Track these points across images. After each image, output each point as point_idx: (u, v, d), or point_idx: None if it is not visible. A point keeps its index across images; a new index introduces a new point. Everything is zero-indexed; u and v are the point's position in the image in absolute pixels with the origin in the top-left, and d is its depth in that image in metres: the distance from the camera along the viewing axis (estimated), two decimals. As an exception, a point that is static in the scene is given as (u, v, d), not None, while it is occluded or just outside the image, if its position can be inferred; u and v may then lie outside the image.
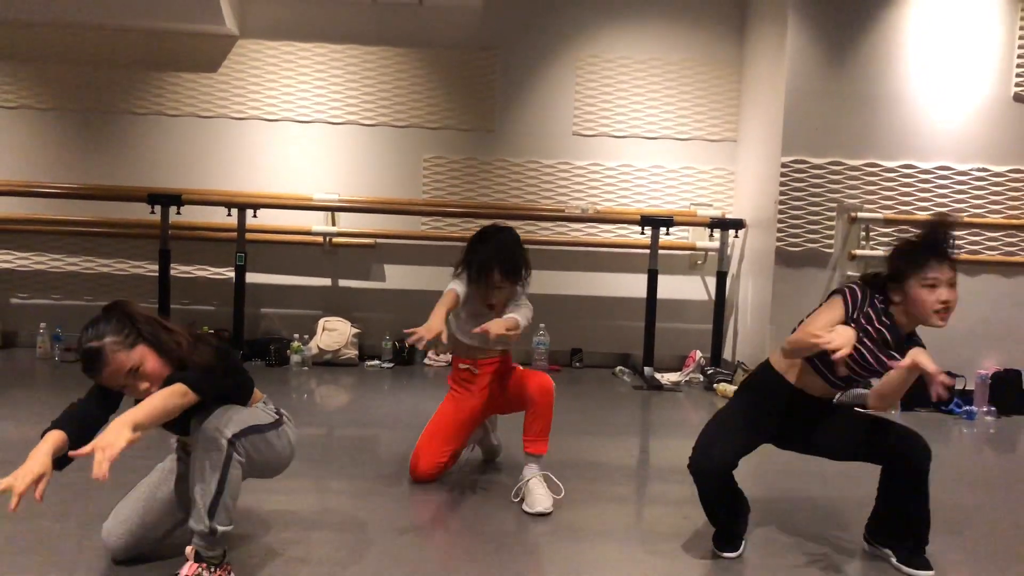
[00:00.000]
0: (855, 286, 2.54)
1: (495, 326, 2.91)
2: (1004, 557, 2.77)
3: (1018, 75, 5.35)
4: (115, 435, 1.90)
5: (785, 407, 2.66)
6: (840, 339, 2.28)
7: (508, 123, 6.34)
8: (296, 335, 5.97)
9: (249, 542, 2.65)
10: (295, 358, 5.80)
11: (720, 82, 6.33)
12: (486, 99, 6.31)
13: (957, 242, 2.60)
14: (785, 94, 5.34)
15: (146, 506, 2.44)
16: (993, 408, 5.16)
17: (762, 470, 3.58)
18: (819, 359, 2.54)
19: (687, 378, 5.81)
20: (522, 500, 3.07)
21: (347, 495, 3.21)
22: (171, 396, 2.10)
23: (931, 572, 2.54)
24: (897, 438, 2.55)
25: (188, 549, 2.21)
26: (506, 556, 2.62)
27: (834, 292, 2.56)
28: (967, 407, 5.07)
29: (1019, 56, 5.34)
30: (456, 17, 6.21)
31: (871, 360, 2.49)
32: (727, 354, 6.16)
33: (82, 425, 2.19)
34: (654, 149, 6.36)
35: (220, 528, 2.16)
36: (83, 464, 2.00)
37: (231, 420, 2.24)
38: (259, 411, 2.40)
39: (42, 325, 5.85)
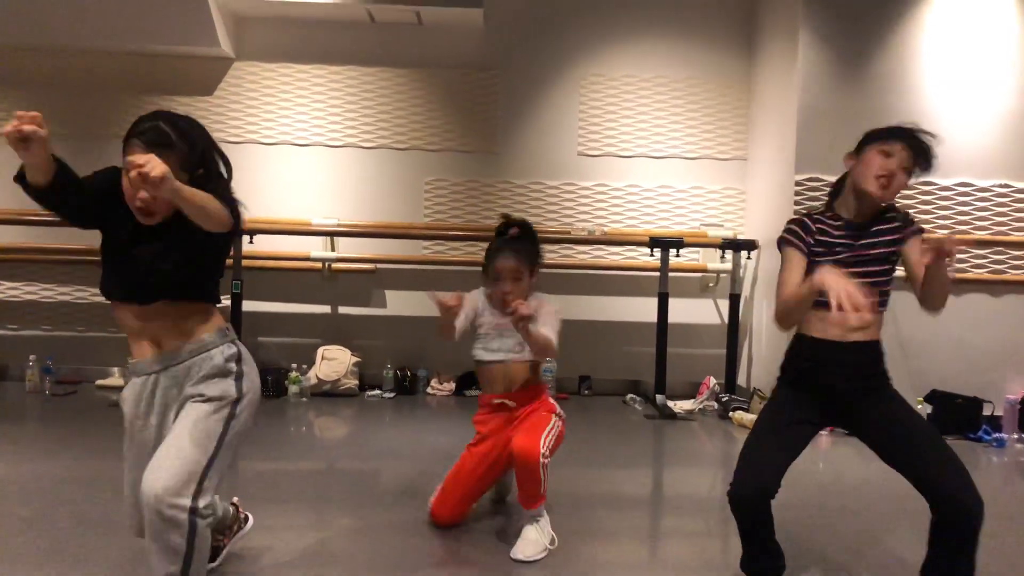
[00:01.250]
0: (789, 225, 2.53)
1: (524, 307, 2.78)
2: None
3: (1037, 88, 5.33)
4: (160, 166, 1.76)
5: (819, 368, 2.48)
6: (840, 291, 2.14)
7: (511, 144, 6.33)
8: (294, 365, 5.92)
9: (243, 584, 2.59)
10: (293, 389, 5.75)
11: (729, 100, 6.32)
12: (488, 120, 6.31)
13: (934, 155, 2.46)
14: (798, 111, 5.32)
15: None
16: (1022, 434, 5.07)
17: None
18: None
19: (701, 406, 5.74)
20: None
21: (348, 532, 3.15)
22: (215, 201, 1.96)
23: None
24: (953, 477, 2.37)
25: None
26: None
27: (779, 246, 2.53)
28: (996, 434, 4.99)
29: (1038, 69, 5.32)
30: (457, 37, 6.22)
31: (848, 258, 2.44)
32: (742, 380, 6.09)
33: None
34: (662, 169, 6.34)
35: None
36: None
37: (185, 469, 1.95)
38: (218, 391, 2.09)
39: (31, 357, 5.81)
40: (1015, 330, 5.32)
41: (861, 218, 2.48)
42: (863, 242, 2.47)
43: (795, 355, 2.57)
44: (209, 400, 2.07)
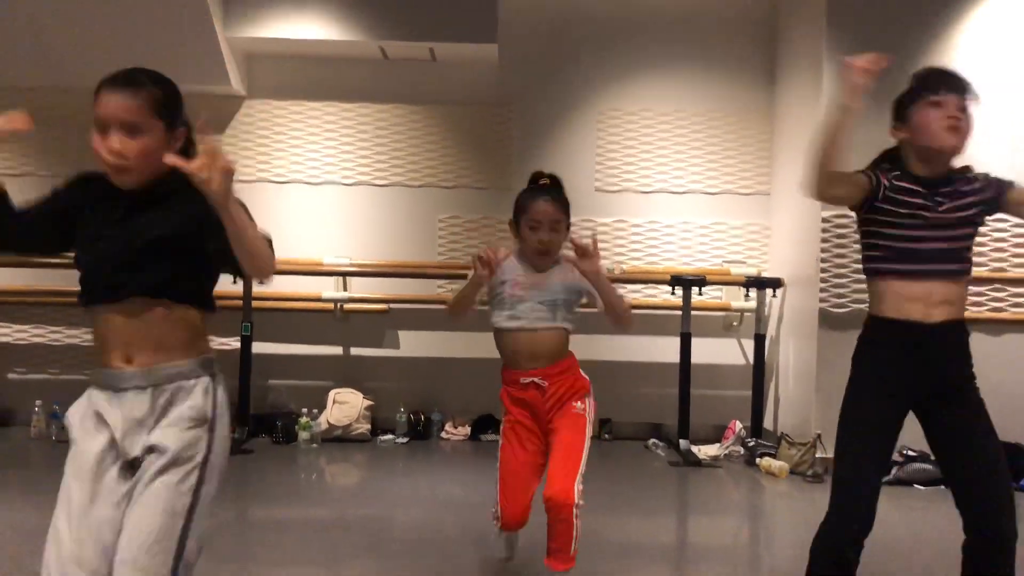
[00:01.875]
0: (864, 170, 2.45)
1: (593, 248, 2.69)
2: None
3: (1072, 119, 5.23)
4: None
5: (906, 361, 2.31)
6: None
7: (526, 180, 6.27)
8: (305, 409, 5.85)
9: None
10: (304, 435, 5.65)
11: (750, 133, 6.26)
12: (503, 156, 6.28)
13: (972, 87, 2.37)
14: (822, 145, 5.24)
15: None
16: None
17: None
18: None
19: (727, 451, 5.60)
20: None
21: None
22: (261, 235, 1.79)
23: None
24: (996, 503, 2.28)
25: None
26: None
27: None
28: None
29: (1073, 99, 5.23)
30: (471, 72, 6.21)
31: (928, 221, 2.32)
32: (768, 423, 5.95)
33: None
34: (682, 204, 6.27)
35: None
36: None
37: (155, 556, 1.75)
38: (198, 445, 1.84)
39: (37, 403, 5.76)
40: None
41: (932, 173, 2.37)
42: (949, 203, 2.34)
43: (873, 343, 2.37)
44: (176, 463, 1.80)
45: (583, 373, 2.95)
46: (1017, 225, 5.20)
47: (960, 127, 2.31)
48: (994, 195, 2.39)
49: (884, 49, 5.38)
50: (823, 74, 5.25)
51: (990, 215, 2.44)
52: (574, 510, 2.69)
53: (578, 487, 2.71)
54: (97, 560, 1.75)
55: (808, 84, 5.53)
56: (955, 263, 2.34)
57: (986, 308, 5.23)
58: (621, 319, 2.89)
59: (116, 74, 1.88)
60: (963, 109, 2.33)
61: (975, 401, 2.35)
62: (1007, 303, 5.24)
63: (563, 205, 2.90)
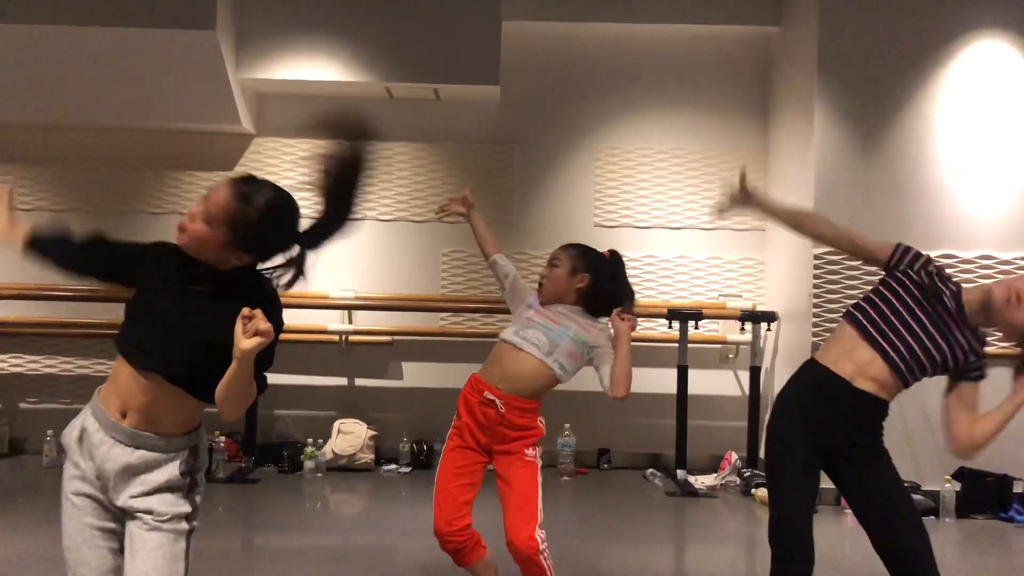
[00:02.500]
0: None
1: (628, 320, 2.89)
2: None
3: (1056, 160, 5.33)
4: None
5: (823, 402, 2.45)
6: None
7: (528, 216, 6.37)
8: (310, 439, 5.89)
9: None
10: (309, 464, 5.70)
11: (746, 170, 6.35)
12: (505, 192, 6.37)
13: None
14: (815, 184, 5.33)
15: None
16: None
17: None
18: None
19: (723, 481, 5.64)
20: None
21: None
22: (253, 392, 1.89)
23: None
24: (915, 556, 2.39)
25: None
26: None
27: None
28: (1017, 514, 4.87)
29: (1055, 141, 5.33)
30: (474, 112, 6.32)
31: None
32: (763, 454, 5.99)
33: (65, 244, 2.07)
34: (679, 240, 6.35)
35: None
36: None
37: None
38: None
39: (49, 432, 5.81)
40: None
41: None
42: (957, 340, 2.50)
43: (802, 382, 2.54)
44: (165, 521, 1.91)
45: (541, 423, 2.99)
46: (1004, 263, 5.29)
47: None
48: (961, 367, 2.51)
49: (869, 94, 5.54)
50: (814, 116, 5.36)
51: (946, 372, 2.55)
52: (540, 555, 2.74)
53: (539, 533, 2.76)
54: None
55: (800, 127, 5.63)
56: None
57: (1012, 344, 5.27)
58: (620, 386, 2.91)
59: (234, 179, 1.93)
60: None
61: (884, 460, 2.47)
62: (993, 338, 5.30)
63: (578, 257, 3.03)
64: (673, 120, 6.38)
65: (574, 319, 2.95)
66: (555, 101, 6.38)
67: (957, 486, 4.87)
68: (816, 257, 5.31)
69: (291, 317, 6.29)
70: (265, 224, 1.89)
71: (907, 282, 2.48)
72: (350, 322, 6.22)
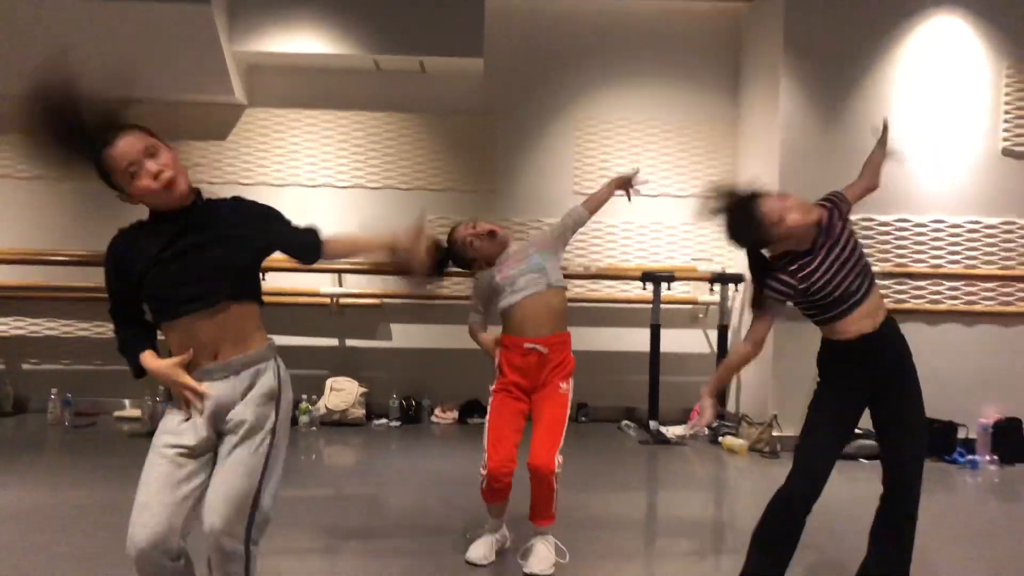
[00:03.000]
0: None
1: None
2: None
3: (1005, 130, 5.50)
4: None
5: (862, 361, 2.66)
6: None
7: (510, 183, 6.48)
8: (304, 396, 6.02)
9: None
10: (303, 419, 5.84)
11: (717, 140, 6.48)
12: (488, 161, 6.47)
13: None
14: (780, 153, 5.49)
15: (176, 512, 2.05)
16: (996, 457, 5.19)
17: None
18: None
19: (692, 431, 5.84)
20: (525, 560, 3.09)
21: (356, 555, 3.23)
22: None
23: None
24: (905, 452, 2.65)
25: None
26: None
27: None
28: (970, 456, 5.10)
29: (1005, 112, 5.50)
30: (458, 83, 6.40)
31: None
32: (731, 406, 6.19)
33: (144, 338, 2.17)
34: (654, 206, 6.47)
35: None
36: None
37: (236, 505, 2.02)
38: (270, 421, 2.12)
39: (53, 391, 5.91)
40: (987, 358, 5.45)
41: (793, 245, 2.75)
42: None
43: (841, 360, 2.71)
44: (251, 434, 2.07)
45: (572, 357, 3.23)
46: (988, 227, 5.50)
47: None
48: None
49: (831, 67, 5.68)
50: (780, 88, 5.50)
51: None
52: (554, 476, 2.98)
53: (558, 458, 3.00)
54: (164, 512, 2.00)
55: (766, 99, 5.77)
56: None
57: (960, 302, 5.49)
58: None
59: (112, 118, 2.15)
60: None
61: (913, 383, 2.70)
62: (979, 297, 5.53)
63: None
64: (649, 92, 6.48)
65: (532, 245, 3.31)
66: (536, 73, 6.46)
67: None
68: (781, 222, 5.47)
69: (284, 280, 6.43)
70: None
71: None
72: (340, 285, 6.33)
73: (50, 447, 5.24)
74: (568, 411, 3.15)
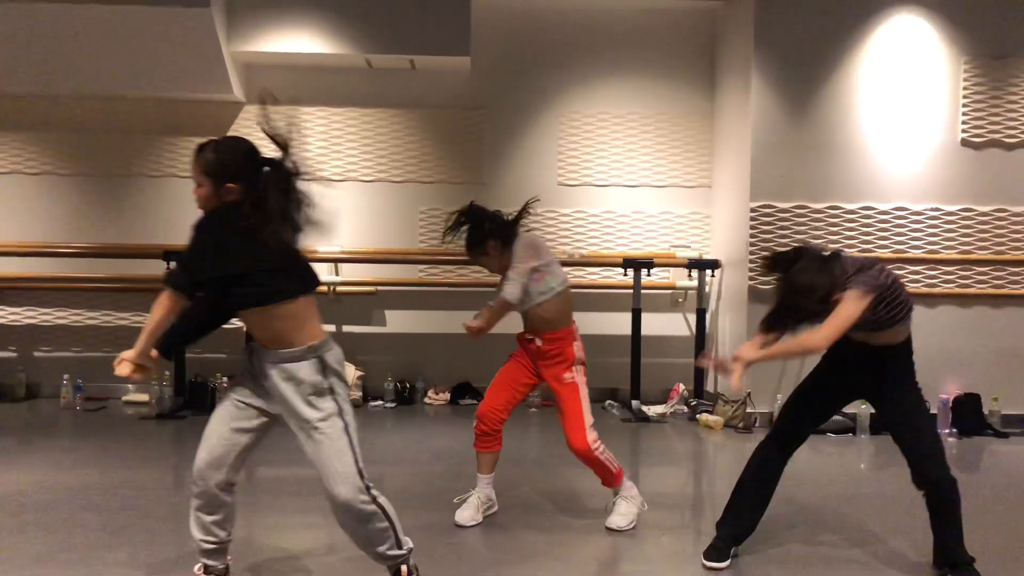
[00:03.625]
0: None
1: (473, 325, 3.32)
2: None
3: (964, 122, 5.60)
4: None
5: (850, 368, 2.86)
6: None
7: (497, 176, 6.54)
8: (304, 379, 6.08)
9: None
10: (303, 401, 5.90)
11: (694, 133, 6.55)
12: (476, 154, 6.53)
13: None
14: (751, 145, 5.57)
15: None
16: (955, 430, 5.32)
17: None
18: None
19: (672, 410, 5.95)
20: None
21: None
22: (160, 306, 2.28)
23: None
24: (924, 469, 2.80)
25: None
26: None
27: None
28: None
29: (963, 105, 5.59)
30: (446, 80, 6.44)
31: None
32: (709, 386, 6.30)
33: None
34: (634, 196, 6.56)
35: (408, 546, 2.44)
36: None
37: (350, 475, 2.30)
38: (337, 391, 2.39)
39: (65, 376, 5.97)
40: (947, 337, 5.57)
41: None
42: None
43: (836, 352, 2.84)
44: (322, 422, 2.33)
45: (575, 347, 3.39)
46: (948, 214, 5.63)
47: None
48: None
49: (799, 64, 5.76)
50: (751, 86, 5.57)
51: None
52: (594, 451, 3.24)
53: (590, 435, 3.24)
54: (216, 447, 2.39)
55: (739, 94, 5.85)
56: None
57: (921, 285, 5.62)
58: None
59: (200, 144, 2.42)
60: None
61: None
62: (939, 280, 5.64)
63: (474, 248, 3.48)
64: (629, 87, 6.55)
65: (512, 269, 3.37)
66: (521, 70, 6.52)
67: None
68: (752, 210, 5.57)
69: (284, 270, 6.35)
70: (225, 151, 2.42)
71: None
72: (337, 274, 6.39)
73: (62, 431, 5.29)
74: (582, 392, 3.35)
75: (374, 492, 2.33)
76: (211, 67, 5.84)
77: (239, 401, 2.42)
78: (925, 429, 2.83)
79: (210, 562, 2.46)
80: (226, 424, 2.41)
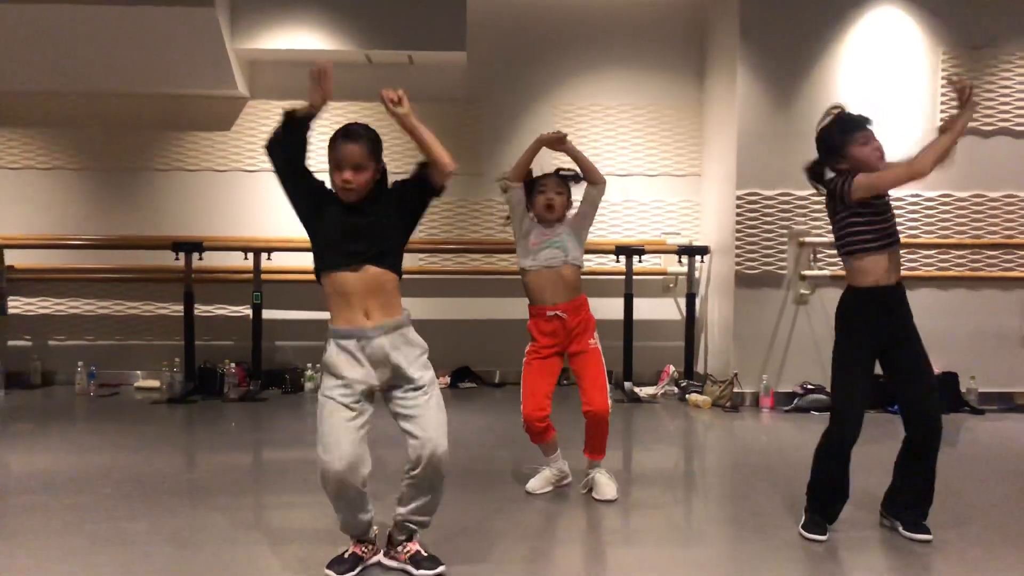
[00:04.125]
0: (842, 172, 2.91)
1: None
2: (950, 531, 2.97)
3: (942, 111, 5.63)
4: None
5: (886, 313, 2.89)
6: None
7: (495, 167, 6.55)
8: (309, 364, 6.15)
9: (281, 554, 2.82)
10: (308, 385, 5.98)
11: (684, 123, 6.58)
12: (474, 146, 6.56)
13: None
14: (737, 135, 5.60)
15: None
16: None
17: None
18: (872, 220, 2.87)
19: (662, 391, 6.01)
20: (590, 490, 3.45)
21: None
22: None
23: (930, 537, 2.87)
24: (926, 409, 2.88)
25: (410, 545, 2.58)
26: (510, 552, 2.81)
27: (849, 177, 2.86)
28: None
29: (942, 95, 5.62)
30: (444, 74, 6.46)
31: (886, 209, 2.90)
32: (699, 368, 6.36)
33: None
34: (627, 185, 6.59)
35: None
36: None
37: (443, 419, 2.52)
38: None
39: (79, 364, 6.02)
40: (927, 318, 5.43)
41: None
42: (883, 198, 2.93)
43: (863, 310, 2.91)
44: (430, 384, 2.53)
45: (591, 314, 3.50)
46: (928, 200, 5.69)
47: (882, 152, 2.91)
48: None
49: (784, 56, 5.76)
50: (737, 77, 5.60)
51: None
52: (608, 416, 3.35)
53: (609, 400, 3.38)
54: (351, 452, 2.42)
55: (726, 85, 5.88)
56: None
57: (933, 268, 5.70)
58: (594, 176, 3.60)
59: (350, 129, 2.54)
60: (874, 137, 2.92)
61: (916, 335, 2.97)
62: (918, 264, 5.70)
63: (565, 181, 3.53)
64: (621, 79, 6.58)
65: (563, 225, 3.46)
66: (517, 63, 6.54)
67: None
68: (738, 198, 5.61)
69: (287, 260, 6.50)
70: (375, 134, 2.64)
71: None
72: (340, 263, 6.41)
73: (78, 416, 5.35)
74: (603, 359, 3.46)
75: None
76: (216, 64, 5.86)
77: (350, 402, 2.47)
78: (932, 370, 2.96)
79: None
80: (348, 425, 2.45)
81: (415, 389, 2.50)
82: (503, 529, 3.05)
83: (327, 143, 2.55)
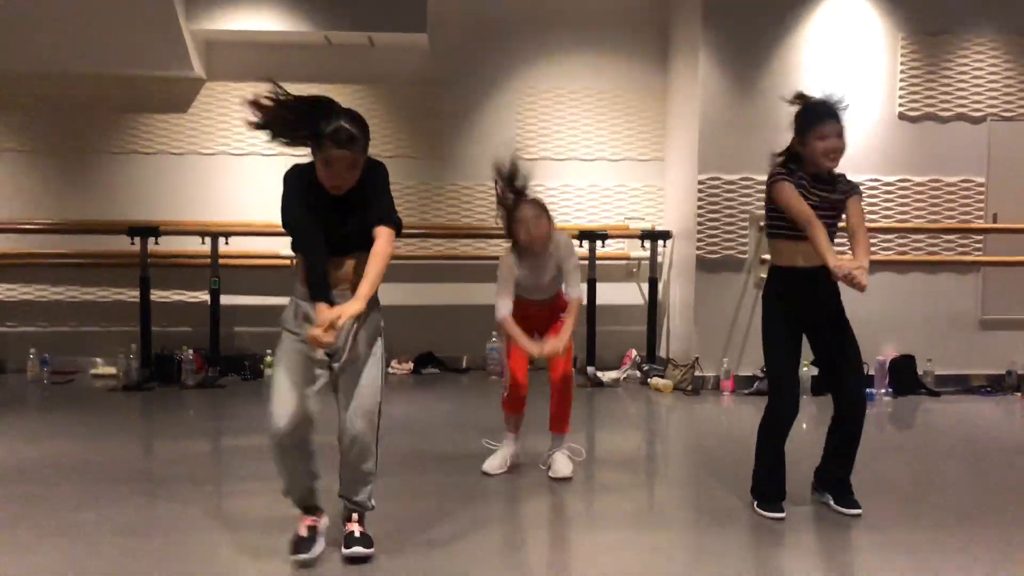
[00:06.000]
0: (781, 173, 2.95)
1: (550, 347, 3.41)
2: (901, 507, 3.01)
3: (901, 96, 5.69)
4: (352, 307, 2.37)
5: (807, 293, 2.98)
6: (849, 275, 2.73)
7: (456, 150, 6.51)
8: (268, 350, 6.05)
9: (271, 537, 2.76)
10: (268, 372, 5.87)
11: (647, 108, 6.57)
12: (435, 129, 6.48)
13: (844, 106, 3.02)
14: (699, 120, 5.60)
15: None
16: (890, 389, 5.47)
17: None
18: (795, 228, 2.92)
19: (625, 375, 6.02)
20: (548, 468, 3.54)
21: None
22: (384, 261, 2.50)
23: (860, 511, 2.99)
24: (850, 386, 3.01)
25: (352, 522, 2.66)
26: (489, 535, 2.78)
27: (776, 180, 2.93)
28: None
29: (901, 80, 5.68)
30: (405, 56, 6.37)
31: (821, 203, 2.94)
32: (661, 352, 6.38)
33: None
34: (590, 170, 6.57)
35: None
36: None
37: (376, 391, 2.58)
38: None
39: (32, 350, 5.86)
40: (885, 302, 5.69)
41: (822, 179, 2.96)
42: (829, 196, 2.96)
43: (793, 287, 3.00)
44: (373, 356, 2.61)
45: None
46: (887, 184, 5.71)
47: (837, 158, 2.93)
48: (846, 197, 3.01)
49: (745, 42, 5.77)
50: (699, 63, 5.60)
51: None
52: (573, 379, 3.53)
53: (573, 368, 3.55)
54: (296, 404, 2.54)
55: (688, 70, 5.88)
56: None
57: (891, 252, 5.77)
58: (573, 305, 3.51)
59: (341, 136, 2.46)
60: (839, 135, 2.92)
61: (842, 312, 3.07)
62: (879, 248, 5.76)
63: (540, 205, 3.44)
64: (585, 64, 6.54)
65: (552, 256, 3.44)
66: (479, 46, 6.47)
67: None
68: (700, 183, 5.62)
69: (245, 244, 6.39)
70: (365, 129, 2.57)
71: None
72: (300, 248, 6.31)
73: (30, 404, 5.22)
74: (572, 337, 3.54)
75: (379, 440, 2.63)
76: (171, 44, 5.72)
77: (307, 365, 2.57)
78: (858, 349, 3.06)
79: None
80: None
81: (359, 360, 2.59)
82: (465, 514, 3.02)
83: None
